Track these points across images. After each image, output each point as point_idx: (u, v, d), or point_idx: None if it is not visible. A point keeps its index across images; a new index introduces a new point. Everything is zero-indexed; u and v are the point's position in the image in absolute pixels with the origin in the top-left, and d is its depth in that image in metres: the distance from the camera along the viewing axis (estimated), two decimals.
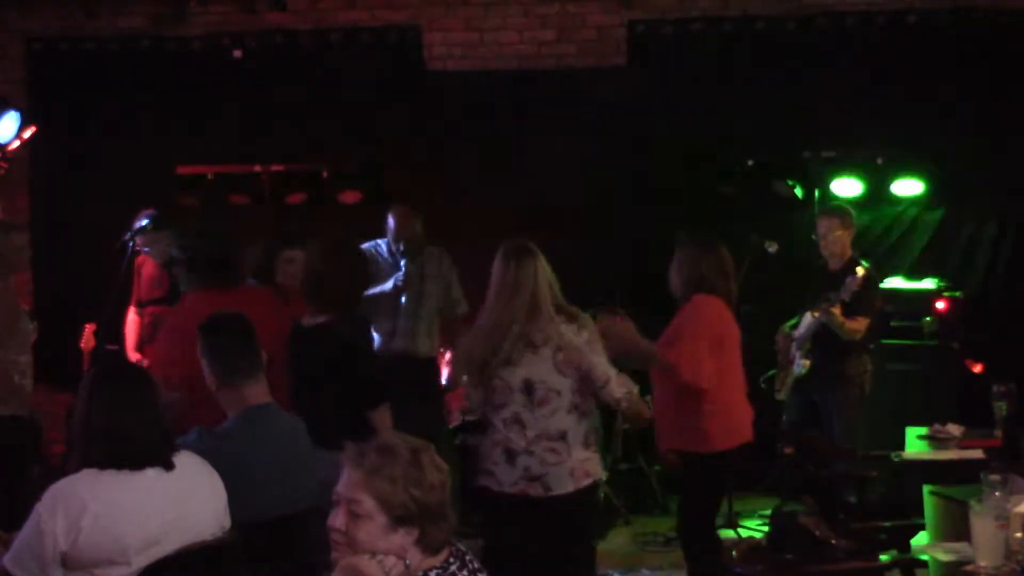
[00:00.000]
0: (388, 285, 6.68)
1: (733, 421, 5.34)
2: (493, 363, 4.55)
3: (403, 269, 6.73)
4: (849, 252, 6.88)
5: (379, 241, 6.94)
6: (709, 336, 5.26)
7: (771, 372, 7.09)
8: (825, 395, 6.82)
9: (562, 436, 4.55)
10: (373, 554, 2.64)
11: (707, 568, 5.28)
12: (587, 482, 4.62)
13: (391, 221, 6.89)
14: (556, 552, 4.60)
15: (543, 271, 4.58)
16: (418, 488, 2.66)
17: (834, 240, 6.84)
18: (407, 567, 2.66)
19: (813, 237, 7.05)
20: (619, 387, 4.61)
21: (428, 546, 2.70)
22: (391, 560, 2.64)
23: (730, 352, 5.36)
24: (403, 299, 6.77)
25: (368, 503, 2.65)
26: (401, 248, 6.80)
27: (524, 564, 4.57)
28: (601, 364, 4.58)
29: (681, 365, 5.17)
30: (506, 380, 4.56)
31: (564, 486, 4.55)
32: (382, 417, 4.76)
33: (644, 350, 5.22)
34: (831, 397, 6.78)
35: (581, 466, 4.58)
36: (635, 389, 4.70)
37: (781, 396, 6.99)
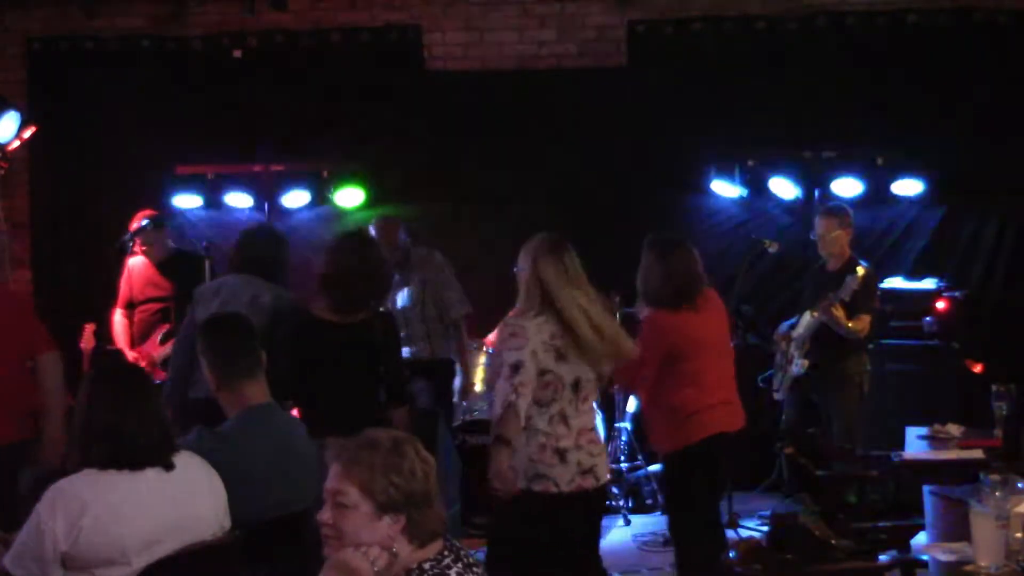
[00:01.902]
0: None
1: (683, 423, 5.12)
2: (557, 360, 4.44)
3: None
4: (848, 252, 6.88)
5: None
6: (656, 355, 5.08)
7: (769, 372, 7.10)
8: (825, 395, 6.82)
9: (594, 428, 4.64)
10: (358, 546, 2.67)
11: (688, 559, 5.31)
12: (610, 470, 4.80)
13: (373, 232, 6.86)
14: (590, 544, 4.67)
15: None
16: (398, 475, 2.70)
17: (832, 240, 6.84)
18: (393, 556, 2.68)
19: (813, 237, 7.05)
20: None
21: (416, 535, 2.72)
22: (375, 551, 2.67)
23: (691, 357, 5.12)
24: (399, 306, 6.73)
25: (352, 492, 2.70)
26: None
27: (557, 560, 4.54)
28: (629, 341, 4.66)
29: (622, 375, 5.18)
30: (559, 376, 4.46)
31: (606, 474, 4.65)
32: (400, 416, 4.79)
33: None
34: (831, 397, 6.79)
35: (608, 454, 4.75)
36: None
37: (779, 396, 6.99)
